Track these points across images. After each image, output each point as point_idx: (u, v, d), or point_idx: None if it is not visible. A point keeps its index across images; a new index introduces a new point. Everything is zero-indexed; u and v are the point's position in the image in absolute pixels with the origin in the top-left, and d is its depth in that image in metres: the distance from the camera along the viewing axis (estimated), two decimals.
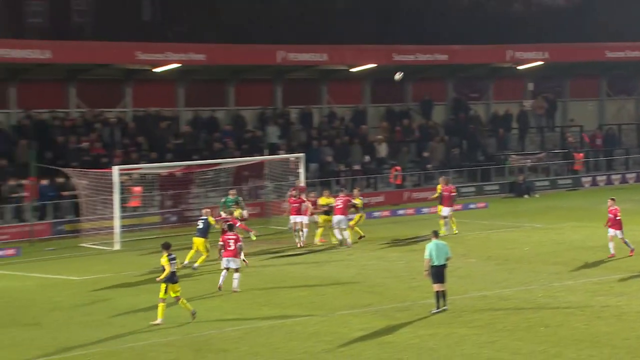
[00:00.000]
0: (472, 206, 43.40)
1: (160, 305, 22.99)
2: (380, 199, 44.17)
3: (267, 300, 25.49)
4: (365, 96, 49.47)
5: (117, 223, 33.91)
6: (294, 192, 34.35)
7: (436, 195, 35.35)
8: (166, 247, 23.46)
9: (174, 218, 38.63)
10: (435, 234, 23.97)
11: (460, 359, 20.03)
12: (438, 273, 23.38)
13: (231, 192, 34.03)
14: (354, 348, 20.82)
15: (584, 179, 50.23)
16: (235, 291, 26.09)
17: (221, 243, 26.63)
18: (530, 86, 53.47)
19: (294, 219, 33.33)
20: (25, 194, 36.25)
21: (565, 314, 23.32)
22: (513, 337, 21.50)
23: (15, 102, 40.30)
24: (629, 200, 41.10)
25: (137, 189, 36.66)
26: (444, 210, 34.89)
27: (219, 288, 26.04)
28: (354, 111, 48.72)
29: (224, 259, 26.36)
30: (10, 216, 36.52)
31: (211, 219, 29.87)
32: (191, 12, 66.17)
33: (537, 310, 23.79)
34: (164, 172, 37.95)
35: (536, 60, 50.19)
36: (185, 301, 23.33)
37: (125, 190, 35.68)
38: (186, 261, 29.40)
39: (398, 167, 42.70)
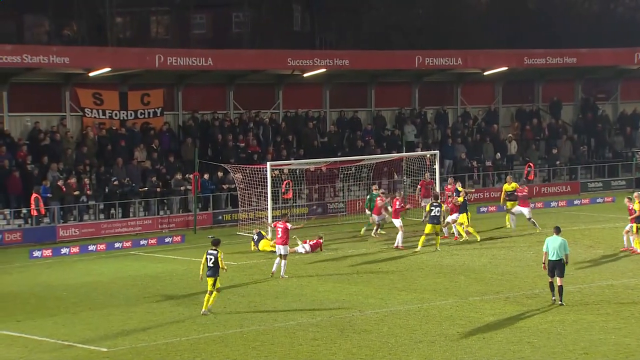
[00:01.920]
0: (599, 200, 42.15)
1: (205, 297, 22.60)
2: None
3: (405, 286, 25.37)
4: (497, 97, 48.62)
5: (269, 214, 34.36)
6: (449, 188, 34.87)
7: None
8: (213, 243, 22.92)
9: (319, 210, 38.92)
10: (557, 230, 23.18)
11: (588, 344, 19.43)
12: (552, 267, 22.72)
13: (374, 187, 34.77)
14: (486, 331, 20.48)
15: None
16: (283, 277, 26.32)
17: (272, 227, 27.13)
18: None
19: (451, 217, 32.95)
20: (189, 187, 37.24)
21: None
22: (639, 324, 20.71)
23: (181, 104, 41.42)
24: None
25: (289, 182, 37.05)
26: (516, 209, 33.75)
27: (272, 274, 26.43)
28: (486, 111, 47.99)
29: (277, 246, 26.77)
30: (176, 207, 37.59)
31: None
32: (336, 23, 66.64)
33: None
34: (311, 167, 38.27)
35: None
36: (210, 298, 22.52)
37: (280, 183, 36.10)
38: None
39: (532, 164, 41.80)
